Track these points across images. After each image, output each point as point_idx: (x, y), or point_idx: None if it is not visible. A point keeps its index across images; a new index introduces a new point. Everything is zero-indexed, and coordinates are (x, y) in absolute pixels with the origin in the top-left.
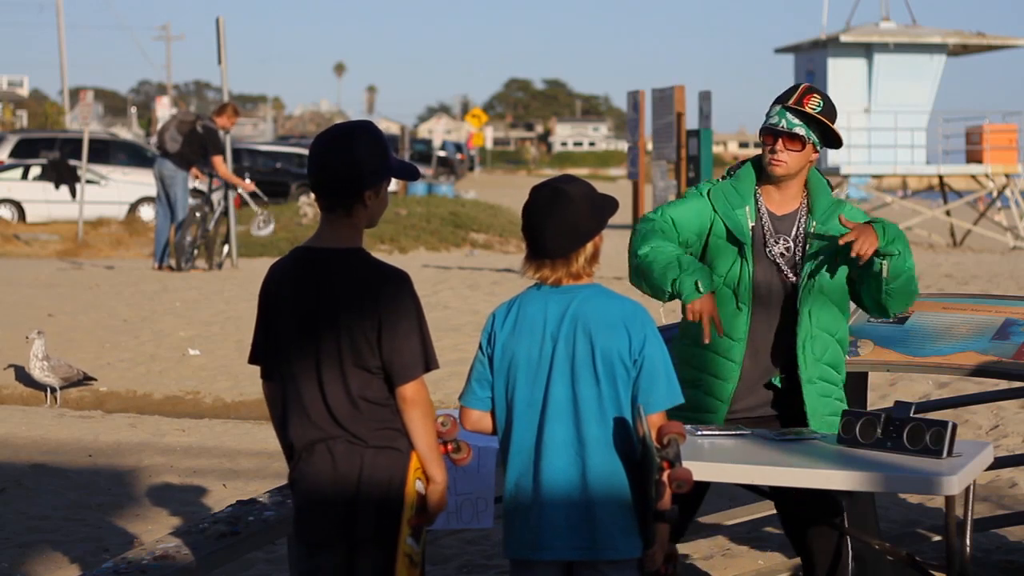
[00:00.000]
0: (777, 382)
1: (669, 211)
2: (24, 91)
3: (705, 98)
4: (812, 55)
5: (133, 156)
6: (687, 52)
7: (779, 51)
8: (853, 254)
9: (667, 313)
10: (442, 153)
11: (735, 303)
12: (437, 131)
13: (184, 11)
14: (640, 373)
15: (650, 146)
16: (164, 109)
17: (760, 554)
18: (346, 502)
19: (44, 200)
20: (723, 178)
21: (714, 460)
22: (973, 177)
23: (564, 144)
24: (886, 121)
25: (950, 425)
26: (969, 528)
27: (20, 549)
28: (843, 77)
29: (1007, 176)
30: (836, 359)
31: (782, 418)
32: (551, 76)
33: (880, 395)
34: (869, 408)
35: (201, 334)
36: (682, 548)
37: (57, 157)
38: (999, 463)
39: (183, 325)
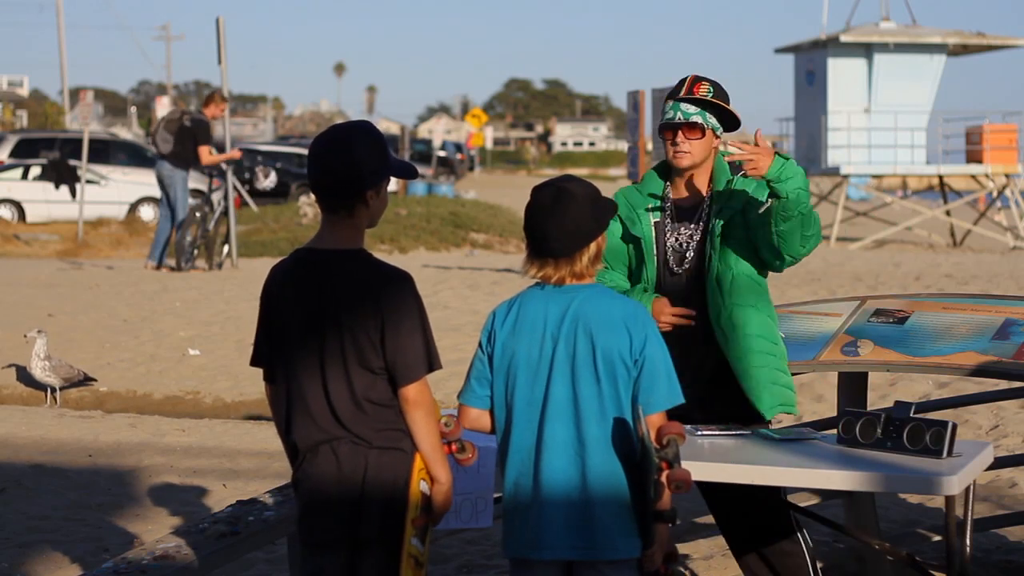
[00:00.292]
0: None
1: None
2: (24, 91)
3: None
4: (812, 55)
5: (133, 156)
6: (687, 52)
7: (779, 51)
8: (744, 172)
9: None
10: (442, 153)
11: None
12: (437, 131)
13: (184, 11)
14: (640, 373)
15: (650, 146)
16: (164, 109)
17: None
18: (350, 503)
19: (44, 200)
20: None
21: (714, 460)
22: (973, 177)
23: (564, 144)
24: (886, 121)
25: (950, 425)
26: (969, 528)
27: (20, 549)
28: (843, 77)
29: (1007, 176)
30: (762, 329)
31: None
32: (551, 76)
33: (880, 395)
34: (869, 408)
35: (201, 334)
36: (682, 548)
37: (57, 157)
38: (999, 463)
39: (183, 325)
